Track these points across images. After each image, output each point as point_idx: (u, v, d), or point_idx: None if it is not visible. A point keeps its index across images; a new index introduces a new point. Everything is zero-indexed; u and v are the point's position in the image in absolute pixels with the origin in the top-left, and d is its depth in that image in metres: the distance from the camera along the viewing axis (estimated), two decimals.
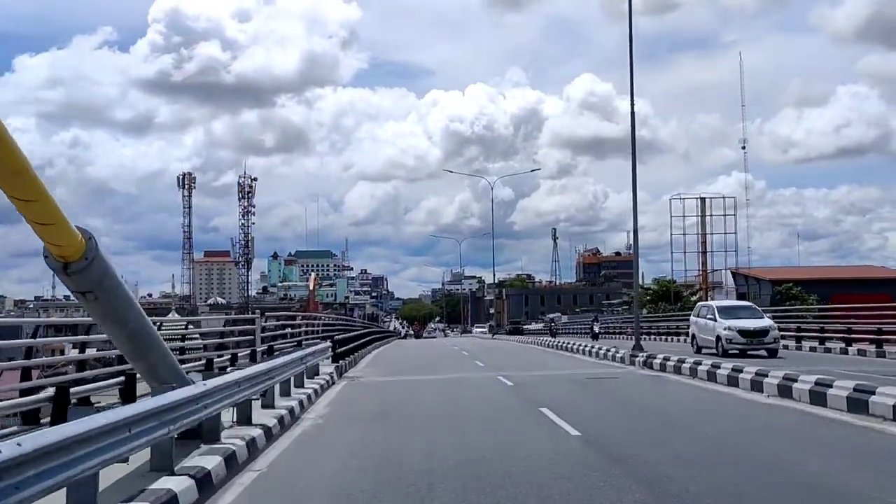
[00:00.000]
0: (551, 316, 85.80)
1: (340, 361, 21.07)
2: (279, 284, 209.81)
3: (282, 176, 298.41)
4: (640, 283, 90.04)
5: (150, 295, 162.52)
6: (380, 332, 48.34)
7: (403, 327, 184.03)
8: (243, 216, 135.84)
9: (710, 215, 55.21)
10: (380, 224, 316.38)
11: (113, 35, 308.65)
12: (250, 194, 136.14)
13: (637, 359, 21.96)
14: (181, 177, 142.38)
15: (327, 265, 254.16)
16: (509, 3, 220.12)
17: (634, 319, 28.66)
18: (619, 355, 23.98)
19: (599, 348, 27.61)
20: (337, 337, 23.11)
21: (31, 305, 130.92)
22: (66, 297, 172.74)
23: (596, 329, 41.29)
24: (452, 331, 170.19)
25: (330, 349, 20.56)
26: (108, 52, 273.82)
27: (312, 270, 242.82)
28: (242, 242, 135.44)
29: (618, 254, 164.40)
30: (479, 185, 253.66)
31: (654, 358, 20.63)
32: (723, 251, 53.91)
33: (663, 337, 40.37)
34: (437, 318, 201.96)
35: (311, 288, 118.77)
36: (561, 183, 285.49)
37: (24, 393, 9.05)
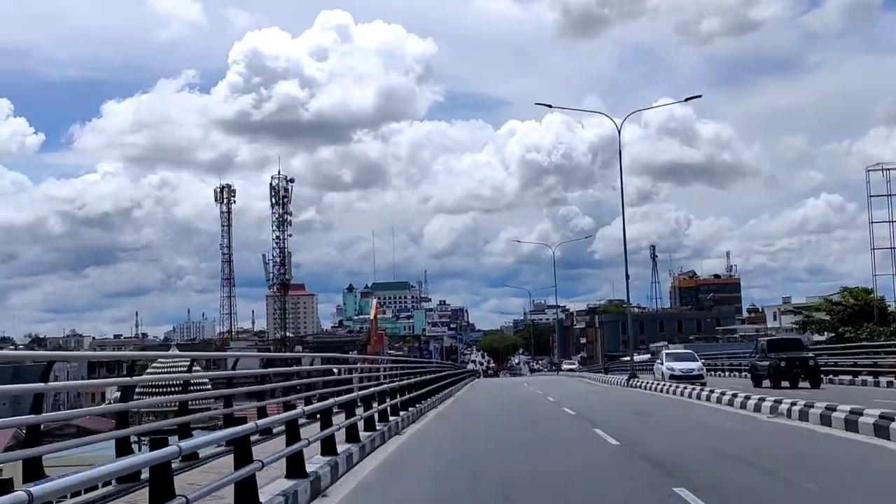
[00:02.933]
0: (647, 353, 73.88)
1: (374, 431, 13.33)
2: (355, 318, 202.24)
3: (361, 211, 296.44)
4: (788, 302, 76.23)
5: (227, 332, 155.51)
6: (453, 374, 38.02)
7: (483, 363, 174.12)
8: (277, 227, 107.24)
9: None
10: (459, 256, 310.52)
11: (195, 78, 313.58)
12: (286, 200, 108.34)
13: None
14: (219, 189, 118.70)
15: (404, 297, 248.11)
16: (582, 31, 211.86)
17: None
18: None
19: None
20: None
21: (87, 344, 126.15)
22: (144, 336, 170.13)
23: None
24: (537, 362, 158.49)
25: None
26: (190, 94, 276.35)
27: (389, 303, 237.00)
28: (277, 261, 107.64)
29: (717, 276, 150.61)
30: (557, 216, 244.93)
31: None
32: None
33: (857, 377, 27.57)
34: (521, 350, 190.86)
35: (373, 316, 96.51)
36: (642, 210, 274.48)
37: None
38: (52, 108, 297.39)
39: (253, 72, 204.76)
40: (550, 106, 38.41)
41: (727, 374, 39.28)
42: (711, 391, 22.33)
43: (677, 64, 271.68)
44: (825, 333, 30.50)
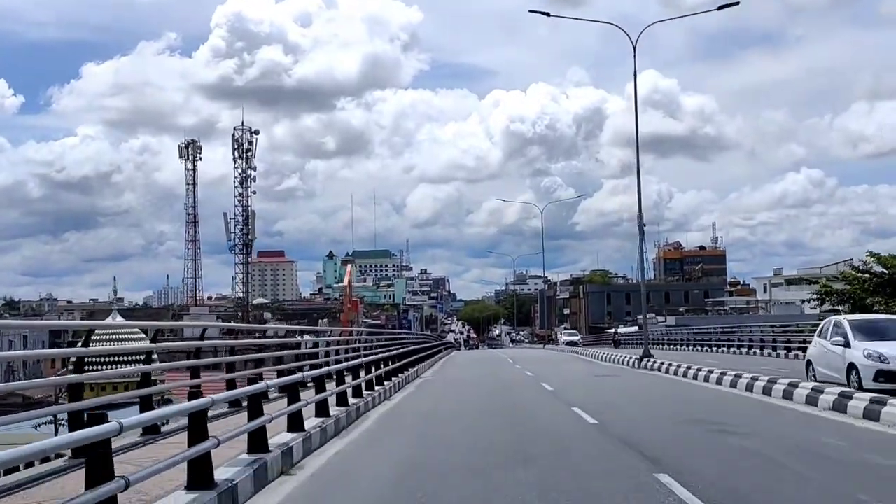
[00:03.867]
0: (634, 325, 70.99)
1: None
2: (335, 286, 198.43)
3: (344, 179, 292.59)
4: (779, 274, 73.66)
5: (210, 298, 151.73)
6: (425, 348, 34.48)
7: (463, 332, 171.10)
8: (240, 184, 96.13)
9: None
10: (441, 226, 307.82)
11: (177, 41, 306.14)
12: (250, 153, 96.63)
13: None
14: (183, 145, 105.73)
15: (385, 266, 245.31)
16: (568, 2, 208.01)
17: None
18: None
19: None
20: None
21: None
22: (120, 301, 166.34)
23: None
24: (518, 333, 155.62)
25: None
26: (172, 57, 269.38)
27: (370, 271, 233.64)
28: (241, 219, 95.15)
29: (702, 248, 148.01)
30: (540, 187, 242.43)
31: None
32: None
33: None
34: (503, 321, 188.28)
35: (347, 283, 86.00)
36: (624, 182, 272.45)
37: None
38: (31, 70, 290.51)
39: (236, 36, 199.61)
40: (548, 14, 33.94)
41: (722, 349, 36.25)
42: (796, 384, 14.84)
43: (660, 36, 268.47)
44: (845, 305, 27.37)
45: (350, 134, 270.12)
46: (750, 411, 13.86)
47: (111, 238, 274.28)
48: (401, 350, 24.18)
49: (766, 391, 15.71)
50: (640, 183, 29.95)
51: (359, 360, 16.65)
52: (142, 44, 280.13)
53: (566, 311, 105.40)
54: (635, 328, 63.76)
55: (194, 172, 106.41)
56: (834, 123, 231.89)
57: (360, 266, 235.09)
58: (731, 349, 35.03)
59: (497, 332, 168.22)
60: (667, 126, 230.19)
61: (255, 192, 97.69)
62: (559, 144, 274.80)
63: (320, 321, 60.18)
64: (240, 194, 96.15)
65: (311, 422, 10.56)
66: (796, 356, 24.65)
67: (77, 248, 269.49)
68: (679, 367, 23.28)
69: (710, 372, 20.06)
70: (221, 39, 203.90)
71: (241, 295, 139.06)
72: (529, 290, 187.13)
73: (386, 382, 18.60)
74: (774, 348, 29.80)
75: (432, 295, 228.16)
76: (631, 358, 31.02)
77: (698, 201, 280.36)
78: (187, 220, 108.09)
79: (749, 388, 16.74)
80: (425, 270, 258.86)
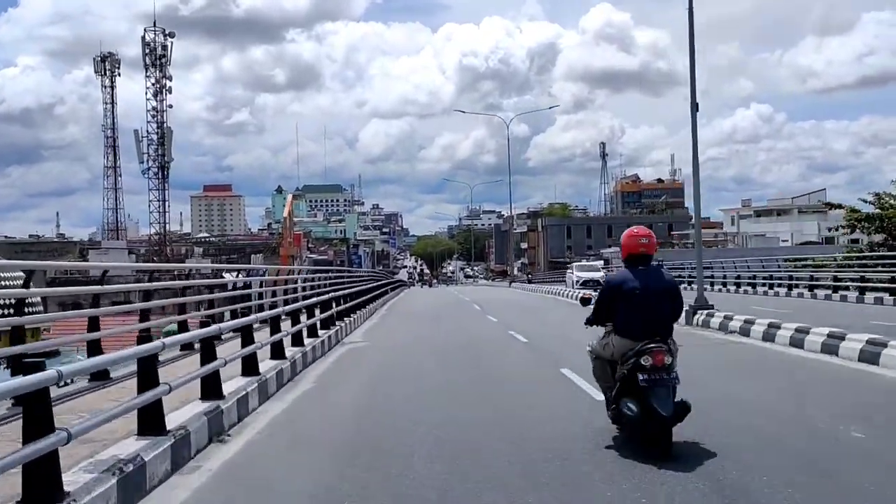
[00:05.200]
0: (599, 258, 66.95)
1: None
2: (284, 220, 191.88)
3: (294, 114, 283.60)
4: (748, 206, 70.16)
5: (154, 235, 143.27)
6: (375, 287, 29.51)
7: (417, 267, 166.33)
8: (154, 96, 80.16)
9: None
10: (394, 161, 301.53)
11: None
12: (164, 60, 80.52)
13: None
14: (98, 59, 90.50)
15: (337, 200, 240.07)
16: None
17: None
18: None
19: None
20: None
21: None
22: (62, 237, 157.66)
23: None
24: (472, 269, 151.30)
25: None
26: None
27: (321, 206, 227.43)
28: (155, 138, 79.93)
29: (660, 180, 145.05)
30: (493, 122, 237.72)
31: None
32: None
33: None
34: (456, 256, 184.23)
35: (286, 214, 70.67)
36: (577, 118, 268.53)
37: None
38: None
39: None
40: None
41: (745, 289, 31.88)
42: None
43: None
44: (879, 234, 23.30)
45: (300, 67, 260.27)
46: None
47: (55, 172, 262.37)
48: (344, 291, 19.24)
49: None
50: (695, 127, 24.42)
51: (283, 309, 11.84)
52: None
53: (523, 246, 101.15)
54: (601, 262, 59.46)
55: (112, 90, 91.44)
56: (783, 59, 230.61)
57: (311, 201, 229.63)
58: (742, 288, 31.05)
59: (451, 268, 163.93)
60: (620, 61, 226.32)
61: (170, 106, 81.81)
62: (512, 79, 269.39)
63: (254, 256, 52.96)
64: (153, 108, 79.92)
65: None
66: (827, 297, 20.20)
67: (20, 183, 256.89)
68: (772, 327, 13.55)
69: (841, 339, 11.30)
70: None
71: (176, 229, 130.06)
72: (483, 224, 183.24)
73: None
74: (791, 287, 25.49)
75: (384, 230, 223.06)
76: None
77: (650, 136, 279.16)
78: (106, 143, 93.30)
79: None
80: (377, 205, 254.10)
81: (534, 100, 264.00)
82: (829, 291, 23.37)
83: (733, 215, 72.51)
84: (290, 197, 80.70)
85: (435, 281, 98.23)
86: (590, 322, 6.60)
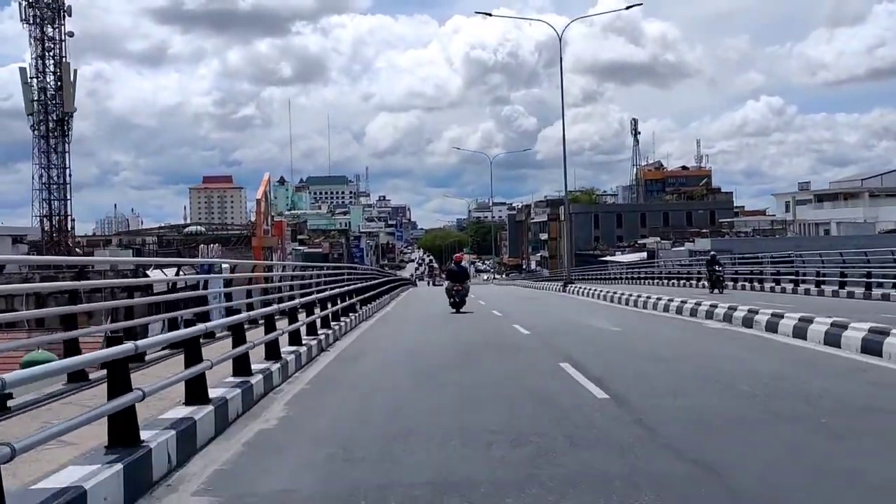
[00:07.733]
0: (637, 251, 57.92)
1: None
2: (286, 213, 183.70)
3: (301, 107, 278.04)
4: (806, 189, 61.30)
5: (161, 227, 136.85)
6: (368, 287, 20.76)
7: (424, 261, 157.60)
8: (40, 58, 54.02)
9: None
10: (402, 155, 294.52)
11: None
12: (60, 9, 54.37)
13: None
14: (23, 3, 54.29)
15: (342, 192, 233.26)
16: None
17: None
18: None
19: None
20: None
21: None
22: None
23: None
24: (483, 263, 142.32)
25: None
26: None
27: (325, 198, 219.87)
28: (49, 99, 54.05)
29: (685, 167, 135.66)
30: (501, 114, 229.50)
31: None
32: None
33: None
34: (464, 249, 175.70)
35: (260, 195, 53.28)
36: (585, 111, 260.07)
37: None
38: None
39: None
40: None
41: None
42: None
43: None
44: None
45: (307, 60, 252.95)
46: None
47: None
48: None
49: None
50: None
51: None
52: None
53: (543, 237, 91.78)
54: (641, 255, 50.60)
55: (43, 42, 55.77)
56: (794, 51, 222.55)
57: (316, 193, 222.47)
58: (846, 289, 22.60)
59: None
60: (629, 53, 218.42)
61: (71, 35, 55.73)
62: (520, 72, 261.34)
63: (203, 247, 41.90)
64: (48, 47, 54.51)
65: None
66: None
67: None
68: None
69: None
70: None
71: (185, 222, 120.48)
72: (493, 217, 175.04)
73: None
74: None
75: (391, 223, 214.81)
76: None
77: (659, 129, 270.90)
78: (37, 105, 57.16)
79: None
80: (384, 197, 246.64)
81: (541, 92, 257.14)
82: None
83: (788, 201, 63.64)
84: (266, 176, 56.78)
85: (439, 277, 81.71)
86: None
